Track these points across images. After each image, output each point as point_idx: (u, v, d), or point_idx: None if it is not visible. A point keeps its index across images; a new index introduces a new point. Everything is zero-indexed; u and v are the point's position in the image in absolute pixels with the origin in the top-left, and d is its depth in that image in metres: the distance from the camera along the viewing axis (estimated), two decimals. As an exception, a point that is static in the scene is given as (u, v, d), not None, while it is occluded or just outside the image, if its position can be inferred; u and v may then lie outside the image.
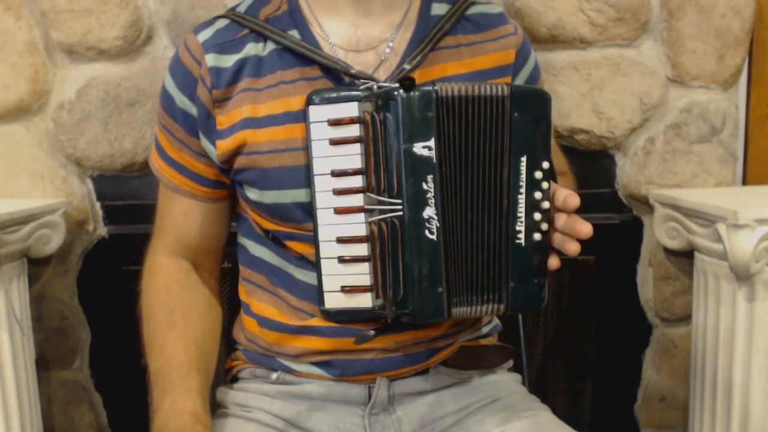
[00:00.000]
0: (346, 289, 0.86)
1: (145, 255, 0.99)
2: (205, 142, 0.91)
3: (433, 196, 0.79)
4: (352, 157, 0.83)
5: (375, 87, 0.83)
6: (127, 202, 1.39)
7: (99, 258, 1.40)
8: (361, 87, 0.84)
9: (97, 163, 1.35)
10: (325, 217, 0.85)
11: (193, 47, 0.90)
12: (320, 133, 0.84)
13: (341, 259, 0.85)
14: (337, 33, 0.91)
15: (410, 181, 0.79)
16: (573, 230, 0.78)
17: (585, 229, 0.76)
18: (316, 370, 0.93)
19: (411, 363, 0.93)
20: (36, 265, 1.37)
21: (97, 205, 1.40)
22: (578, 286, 1.44)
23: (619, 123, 1.36)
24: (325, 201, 0.84)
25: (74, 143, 1.34)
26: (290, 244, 0.91)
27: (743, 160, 1.44)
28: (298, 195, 0.86)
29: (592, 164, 1.41)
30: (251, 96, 0.88)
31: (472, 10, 0.96)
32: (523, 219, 0.80)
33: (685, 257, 1.40)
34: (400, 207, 0.80)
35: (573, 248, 0.78)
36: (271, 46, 0.90)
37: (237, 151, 0.88)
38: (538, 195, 0.80)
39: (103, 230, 1.40)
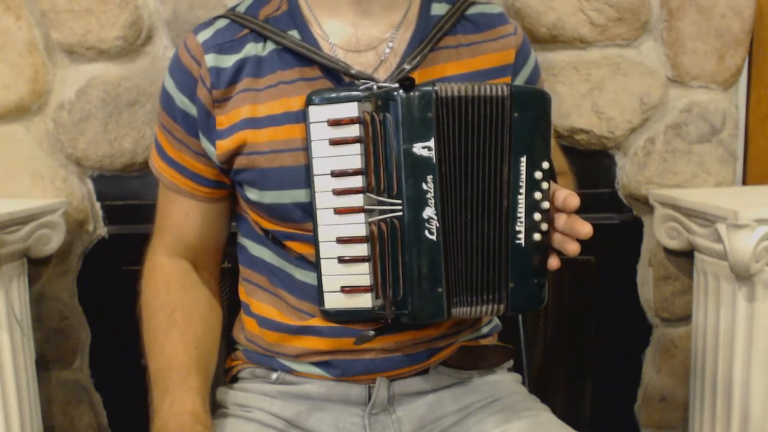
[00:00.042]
0: (346, 290, 0.86)
1: (145, 255, 0.99)
2: (204, 143, 0.91)
3: (433, 197, 0.79)
4: (352, 157, 0.83)
5: (375, 87, 0.83)
6: (127, 202, 1.39)
7: (99, 258, 1.40)
8: (361, 87, 0.84)
9: (97, 163, 1.35)
10: (324, 218, 0.85)
11: (193, 47, 0.90)
12: (320, 133, 0.84)
13: (341, 260, 0.85)
14: (336, 33, 0.91)
15: (410, 182, 0.79)
16: (573, 230, 0.77)
17: (585, 229, 0.76)
18: (316, 370, 0.93)
19: (411, 363, 0.93)
20: (36, 265, 1.37)
21: (97, 205, 1.40)
22: (578, 286, 1.44)
23: (619, 123, 1.36)
24: (324, 201, 0.84)
25: (74, 143, 1.34)
26: (290, 244, 0.91)
27: (743, 160, 1.44)
28: (298, 195, 0.86)
29: (592, 164, 1.41)
30: (251, 96, 0.88)
31: (472, 10, 0.96)
32: (522, 219, 0.80)
33: (685, 257, 1.40)
34: (399, 207, 0.80)
35: (573, 248, 0.78)
36: (270, 46, 0.90)
37: (237, 152, 0.89)
38: (537, 195, 0.80)
39: (103, 230, 1.40)
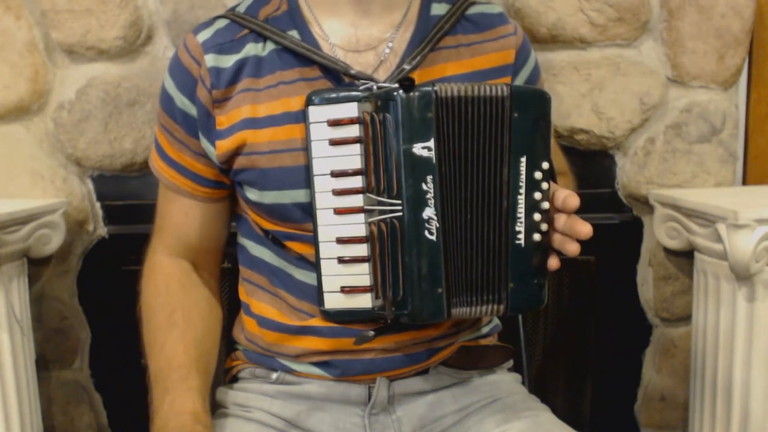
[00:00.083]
0: (346, 290, 0.86)
1: (145, 255, 0.99)
2: (204, 143, 0.91)
3: (433, 197, 0.79)
4: (352, 157, 0.83)
5: (375, 87, 0.83)
6: (127, 202, 1.39)
7: (99, 258, 1.40)
8: (361, 87, 0.84)
9: (97, 163, 1.35)
10: (324, 218, 0.85)
11: (193, 47, 0.90)
12: (320, 133, 0.84)
13: (341, 260, 0.85)
14: (336, 33, 0.91)
15: (410, 182, 0.79)
16: (573, 231, 0.77)
17: (585, 229, 0.76)
18: (316, 370, 0.93)
19: (411, 363, 0.93)
20: (36, 265, 1.37)
21: (97, 205, 1.40)
22: (578, 286, 1.44)
23: (619, 123, 1.36)
24: (324, 201, 0.84)
25: (74, 143, 1.34)
26: (290, 244, 0.91)
27: (743, 160, 1.44)
28: (298, 195, 0.86)
29: (592, 164, 1.41)
30: (251, 96, 0.88)
31: (472, 10, 0.96)
32: (522, 219, 0.80)
33: (685, 257, 1.40)
34: (399, 207, 0.80)
35: (573, 249, 0.78)
36: (270, 46, 0.90)
37: (237, 152, 0.88)
38: (537, 195, 0.80)
39: (103, 230, 1.40)
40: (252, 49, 0.90)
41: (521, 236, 0.81)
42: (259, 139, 0.87)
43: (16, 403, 1.24)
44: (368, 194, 0.83)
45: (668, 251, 1.41)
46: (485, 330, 1.02)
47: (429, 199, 0.79)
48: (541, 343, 1.48)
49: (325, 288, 0.87)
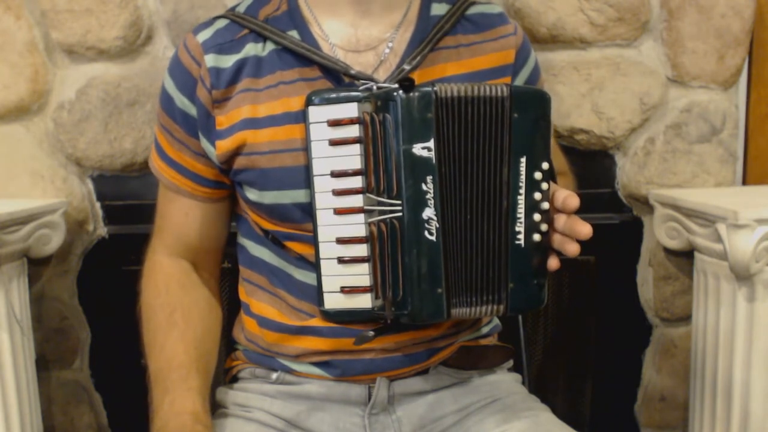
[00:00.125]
0: (346, 290, 0.86)
1: (145, 255, 0.99)
2: (204, 143, 0.91)
3: (433, 197, 0.79)
4: (352, 157, 0.83)
5: (374, 87, 0.83)
6: (127, 202, 1.39)
7: (99, 258, 1.40)
8: (361, 87, 0.84)
9: (97, 163, 1.35)
10: (324, 218, 0.85)
11: (193, 47, 0.90)
12: (320, 133, 0.84)
13: (341, 260, 0.85)
14: (336, 33, 0.91)
15: (410, 182, 0.79)
16: (572, 231, 0.77)
17: (584, 230, 0.76)
18: (316, 371, 0.93)
19: (411, 363, 0.93)
20: (36, 265, 1.37)
21: (97, 205, 1.40)
22: (578, 286, 1.44)
23: (619, 123, 1.36)
24: (324, 201, 0.84)
25: (74, 143, 1.34)
26: (290, 244, 0.91)
27: (743, 160, 1.44)
28: (298, 195, 0.86)
29: (592, 164, 1.41)
30: (251, 96, 0.88)
31: (472, 10, 0.96)
32: (522, 220, 0.80)
33: (685, 257, 1.40)
34: (399, 208, 0.80)
35: (572, 249, 0.78)
36: (270, 46, 0.90)
37: (236, 152, 0.88)
38: (537, 196, 0.80)
39: (103, 230, 1.40)
40: (252, 49, 0.90)
41: (521, 236, 0.81)
42: (259, 139, 0.87)
43: (16, 403, 1.24)
44: (368, 194, 0.83)
45: (668, 251, 1.41)
46: (485, 330, 1.02)
47: (429, 199, 0.79)
48: (541, 343, 1.48)
49: (324, 288, 0.87)
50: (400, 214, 0.80)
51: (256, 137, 0.87)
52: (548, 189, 0.80)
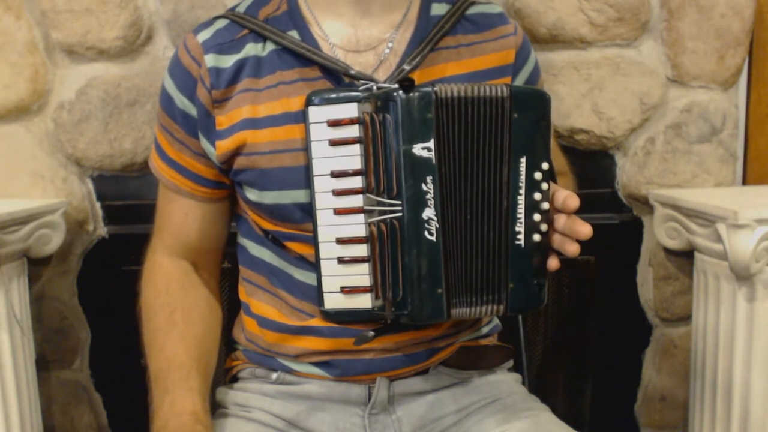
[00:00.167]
0: (346, 290, 0.86)
1: (145, 255, 0.99)
2: (204, 143, 0.91)
3: (433, 197, 0.79)
4: (352, 157, 0.83)
5: (374, 88, 0.83)
6: (127, 202, 1.39)
7: (99, 258, 1.40)
8: (361, 88, 0.84)
9: (97, 163, 1.35)
10: (324, 218, 0.85)
11: (193, 48, 0.90)
12: (320, 133, 0.84)
13: (341, 260, 0.85)
14: (336, 33, 0.91)
15: (410, 182, 0.79)
16: (572, 231, 0.77)
17: (584, 230, 0.76)
18: (316, 371, 0.93)
19: (411, 363, 0.93)
20: (36, 265, 1.37)
21: (97, 205, 1.40)
22: (578, 286, 1.44)
23: (619, 123, 1.36)
24: (324, 202, 0.84)
25: (74, 143, 1.34)
26: (290, 244, 0.91)
27: (743, 160, 1.44)
28: (298, 196, 0.86)
29: (592, 164, 1.41)
30: (251, 96, 0.88)
31: (472, 10, 0.96)
32: (522, 220, 0.80)
33: (685, 257, 1.40)
34: (399, 208, 0.80)
35: (572, 249, 0.78)
36: (270, 46, 0.90)
37: (237, 152, 0.88)
38: (537, 196, 0.80)
39: (103, 230, 1.40)
40: (252, 49, 0.90)
41: (521, 236, 0.81)
42: (259, 139, 0.87)
43: (16, 403, 1.24)
44: (368, 194, 0.83)
45: (668, 251, 1.41)
46: (485, 330, 1.02)
47: (429, 199, 0.79)
48: (541, 343, 1.48)
49: (324, 288, 0.87)
50: (400, 214, 0.80)
51: (256, 137, 0.87)
52: (548, 189, 0.80)
